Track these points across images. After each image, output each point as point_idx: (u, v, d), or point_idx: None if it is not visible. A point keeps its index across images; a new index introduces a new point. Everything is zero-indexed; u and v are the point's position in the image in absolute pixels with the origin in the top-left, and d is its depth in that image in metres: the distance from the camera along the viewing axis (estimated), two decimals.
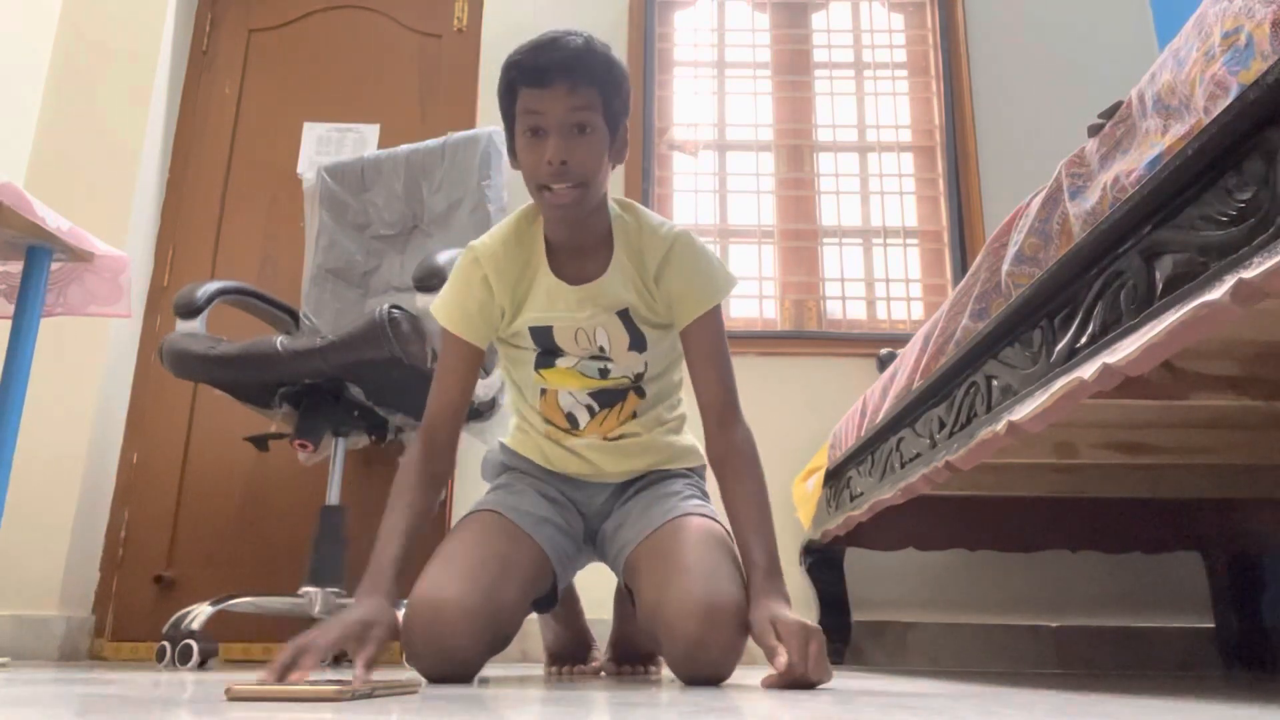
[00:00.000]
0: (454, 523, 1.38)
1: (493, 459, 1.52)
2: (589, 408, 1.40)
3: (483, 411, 2.20)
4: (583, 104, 1.23)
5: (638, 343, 1.37)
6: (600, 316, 1.34)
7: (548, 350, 1.38)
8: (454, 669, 1.16)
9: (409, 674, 1.26)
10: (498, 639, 1.20)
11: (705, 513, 1.35)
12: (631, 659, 1.61)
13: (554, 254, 1.35)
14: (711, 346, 1.35)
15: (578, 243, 1.34)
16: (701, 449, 1.49)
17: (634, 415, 1.41)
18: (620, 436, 1.41)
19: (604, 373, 1.38)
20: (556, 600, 1.42)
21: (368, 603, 1.11)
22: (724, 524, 1.36)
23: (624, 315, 1.35)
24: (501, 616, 1.20)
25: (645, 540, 1.30)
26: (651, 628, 1.21)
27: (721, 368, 1.35)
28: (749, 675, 1.51)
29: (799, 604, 2.35)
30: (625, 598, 1.47)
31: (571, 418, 1.41)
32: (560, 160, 1.22)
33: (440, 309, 1.36)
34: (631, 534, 1.34)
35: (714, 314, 1.35)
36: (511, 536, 1.30)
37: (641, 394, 1.41)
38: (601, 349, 1.37)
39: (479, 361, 1.37)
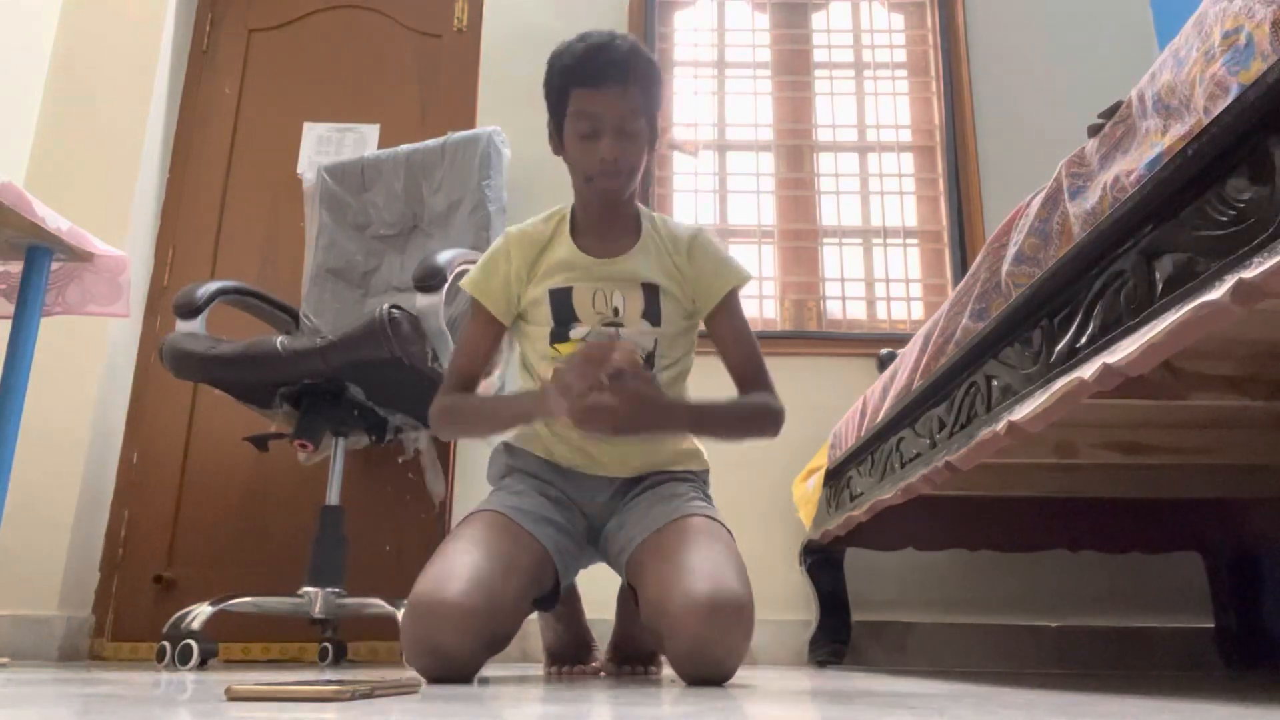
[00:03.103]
0: (454, 524, 1.38)
1: (496, 461, 1.53)
2: None
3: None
4: (631, 107, 1.35)
5: (652, 312, 1.43)
6: (620, 283, 1.43)
7: (563, 321, 1.43)
8: (453, 668, 1.15)
9: (409, 674, 1.26)
10: (497, 638, 1.20)
11: (709, 514, 1.35)
12: (633, 659, 1.61)
13: (579, 233, 1.45)
14: (738, 327, 1.46)
15: (607, 224, 1.45)
16: (705, 453, 1.51)
17: None
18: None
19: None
20: (559, 599, 1.42)
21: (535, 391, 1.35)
22: (727, 526, 1.36)
23: (646, 286, 1.43)
24: (501, 616, 1.20)
25: (648, 539, 1.30)
26: (654, 626, 1.21)
27: (750, 345, 1.46)
28: (753, 676, 1.51)
29: (799, 603, 2.35)
30: (629, 597, 1.47)
31: None
32: (614, 159, 1.35)
33: (468, 280, 1.49)
34: (634, 533, 1.34)
35: (736, 298, 1.47)
36: (512, 535, 1.30)
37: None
38: (616, 311, 1.43)
39: (500, 334, 1.50)
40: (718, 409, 1.39)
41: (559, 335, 1.43)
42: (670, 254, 1.45)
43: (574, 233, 1.45)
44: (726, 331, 1.46)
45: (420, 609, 1.16)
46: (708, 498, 1.45)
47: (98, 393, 2.48)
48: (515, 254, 1.45)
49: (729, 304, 1.45)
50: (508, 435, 1.52)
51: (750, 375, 1.44)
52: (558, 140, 1.41)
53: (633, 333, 1.42)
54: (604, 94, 1.33)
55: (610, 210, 1.43)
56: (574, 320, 1.42)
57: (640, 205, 1.50)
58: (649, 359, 1.42)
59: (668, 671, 1.62)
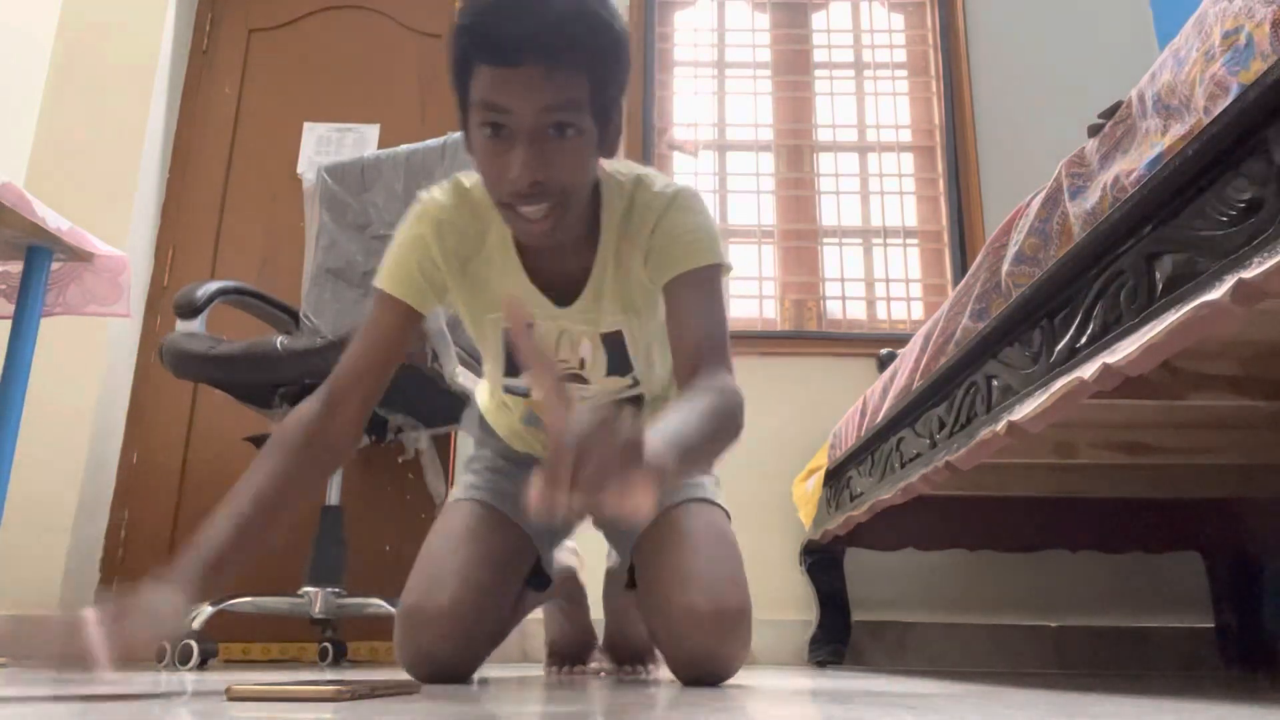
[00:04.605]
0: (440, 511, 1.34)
1: (470, 418, 1.44)
2: None
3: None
4: (564, 99, 0.91)
5: (618, 366, 1.19)
6: (583, 328, 1.15)
7: (517, 363, 1.18)
8: (450, 674, 1.15)
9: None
10: (493, 636, 1.20)
11: (705, 496, 1.26)
12: (629, 657, 1.59)
13: (522, 247, 1.11)
14: (693, 300, 1.06)
15: (554, 243, 1.06)
16: None
17: (628, 407, 1.27)
18: None
19: (584, 398, 1.20)
20: (550, 580, 1.36)
21: (158, 591, 0.88)
22: (723, 503, 1.29)
23: (608, 338, 1.16)
24: (493, 615, 1.18)
25: (647, 530, 1.23)
26: (652, 627, 1.20)
27: (706, 318, 1.06)
28: (753, 676, 1.51)
29: (799, 603, 2.35)
30: (614, 591, 1.45)
31: None
32: (531, 182, 0.92)
33: (382, 270, 1.14)
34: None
35: (702, 273, 1.07)
36: (494, 527, 1.26)
37: (639, 401, 1.27)
38: (582, 362, 1.18)
39: (413, 324, 1.13)
40: (694, 443, 0.90)
41: (514, 390, 1.23)
42: (633, 264, 1.10)
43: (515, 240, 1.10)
44: (677, 302, 1.07)
45: (412, 620, 1.14)
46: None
47: (98, 393, 2.48)
48: (437, 251, 1.11)
49: (691, 277, 1.07)
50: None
51: (695, 352, 1.04)
52: (467, 137, 0.99)
53: (600, 388, 1.20)
54: (518, 77, 0.89)
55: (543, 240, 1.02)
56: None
57: (608, 177, 1.10)
58: (635, 401, 1.24)
59: (667, 671, 1.61)
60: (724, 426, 0.96)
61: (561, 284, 1.11)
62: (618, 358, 1.18)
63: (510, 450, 1.37)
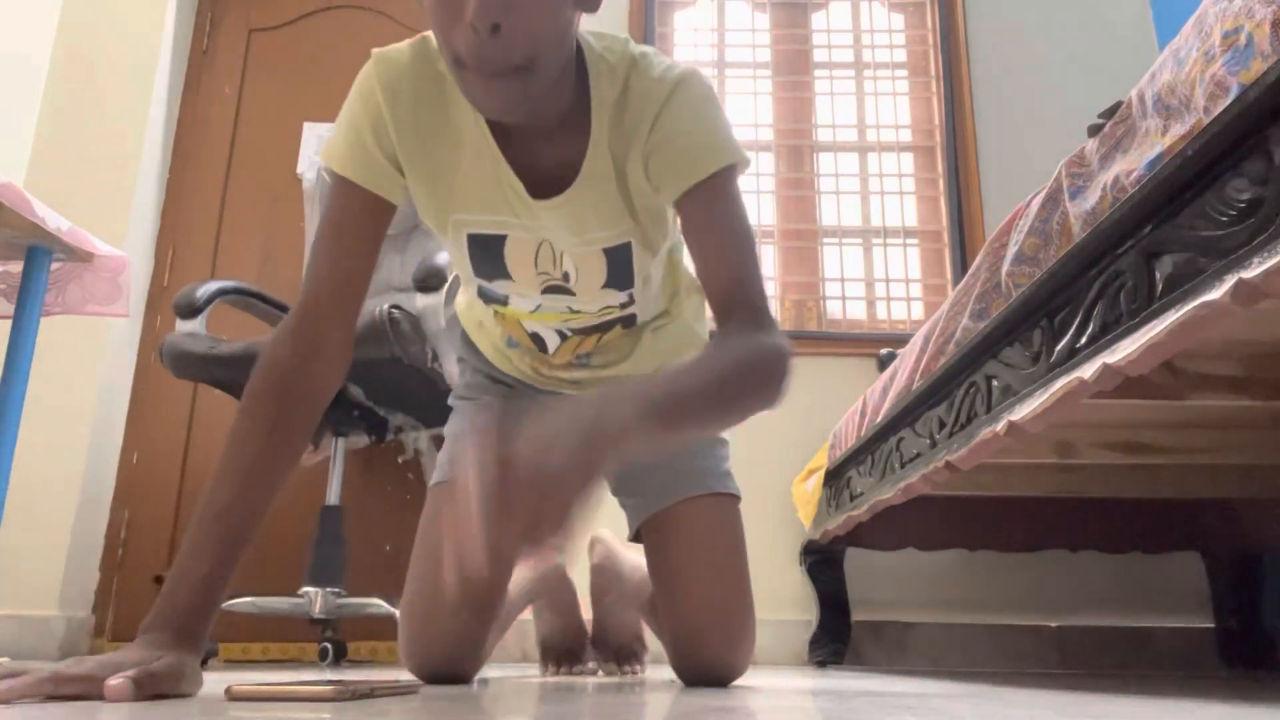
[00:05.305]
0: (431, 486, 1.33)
1: (453, 331, 1.38)
2: (560, 333, 1.13)
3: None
4: None
5: (620, 279, 1.05)
6: (571, 239, 0.99)
7: (490, 274, 1.04)
8: (457, 676, 1.16)
9: (409, 674, 1.26)
10: (499, 626, 1.21)
11: (721, 488, 1.21)
12: (618, 648, 1.56)
13: (499, 128, 0.94)
14: (712, 221, 0.92)
15: (529, 122, 0.91)
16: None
17: (618, 328, 1.16)
18: (594, 353, 1.18)
19: (572, 310, 1.09)
20: None
21: (172, 654, 0.74)
22: (735, 491, 1.24)
23: (610, 252, 1.02)
24: (494, 607, 1.19)
25: (658, 519, 1.19)
26: (661, 629, 1.22)
27: (729, 246, 0.92)
28: (753, 676, 1.50)
29: (799, 603, 2.35)
30: (607, 584, 1.45)
31: (538, 338, 1.15)
32: (490, 24, 0.75)
33: (329, 148, 0.95)
34: (643, 497, 1.21)
35: (716, 182, 0.92)
36: None
37: (631, 322, 1.14)
38: (566, 276, 1.03)
39: (384, 220, 0.94)
40: (687, 388, 0.76)
41: (489, 294, 1.09)
42: (639, 148, 0.94)
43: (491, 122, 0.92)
44: (694, 225, 0.93)
45: (416, 627, 1.14)
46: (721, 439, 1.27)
47: (98, 393, 2.48)
48: (392, 121, 0.93)
49: (705, 190, 0.92)
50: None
51: (731, 297, 0.91)
52: None
53: (591, 303, 1.07)
54: None
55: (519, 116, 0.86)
56: (504, 276, 1.03)
57: (594, 54, 0.93)
58: (626, 321, 1.14)
59: (666, 672, 1.61)
60: (743, 379, 0.82)
61: (546, 175, 0.94)
62: (621, 270, 1.03)
63: (491, 385, 1.27)
